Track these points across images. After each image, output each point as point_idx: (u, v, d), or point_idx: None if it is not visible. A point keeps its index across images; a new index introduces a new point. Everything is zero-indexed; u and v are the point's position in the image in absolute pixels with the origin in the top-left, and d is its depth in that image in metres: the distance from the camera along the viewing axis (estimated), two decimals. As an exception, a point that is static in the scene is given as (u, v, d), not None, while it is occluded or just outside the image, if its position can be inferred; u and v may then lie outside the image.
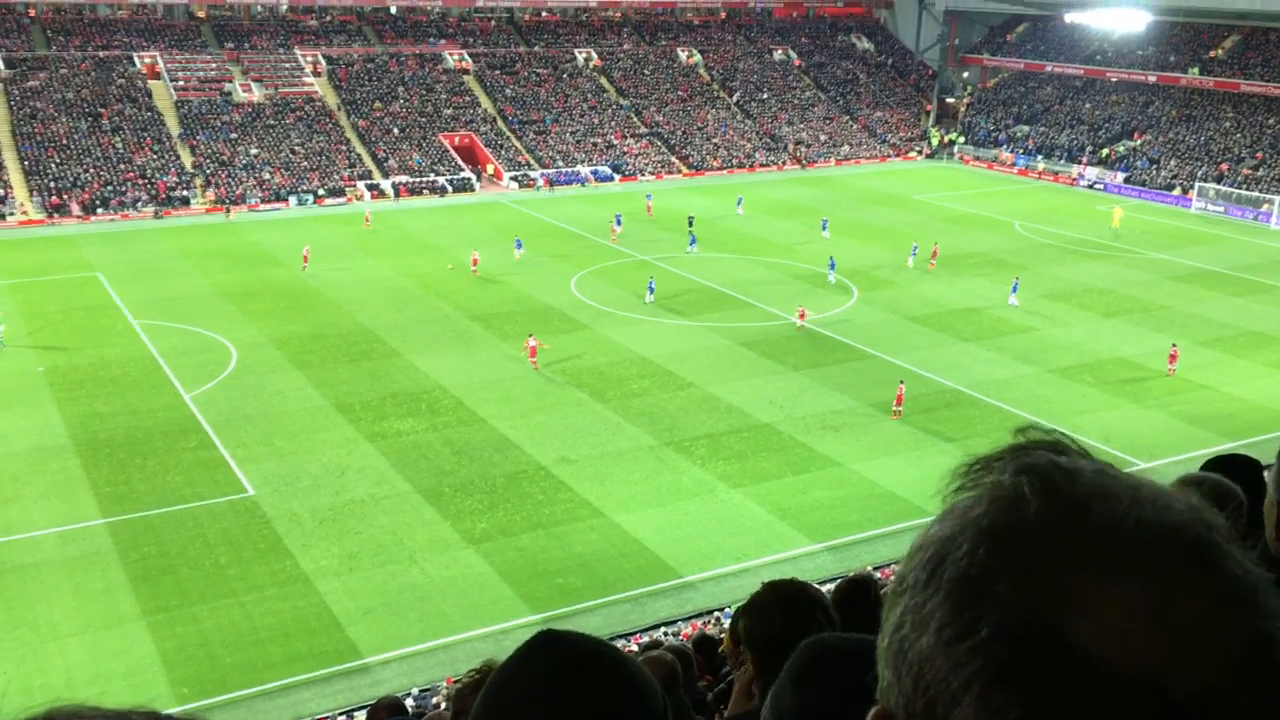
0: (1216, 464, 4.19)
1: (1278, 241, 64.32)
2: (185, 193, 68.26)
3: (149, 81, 77.00)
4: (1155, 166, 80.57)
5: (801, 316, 45.34)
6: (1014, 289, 49.65)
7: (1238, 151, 78.71)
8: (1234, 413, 37.51)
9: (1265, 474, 3.60)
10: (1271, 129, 79.68)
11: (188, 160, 71.24)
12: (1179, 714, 0.78)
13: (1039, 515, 0.86)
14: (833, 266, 52.82)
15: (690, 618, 25.29)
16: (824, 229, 61.57)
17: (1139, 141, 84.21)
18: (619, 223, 61.64)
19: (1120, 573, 0.81)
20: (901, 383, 37.48)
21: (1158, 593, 0.81)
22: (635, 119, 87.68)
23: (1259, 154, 77.51)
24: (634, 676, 1.79)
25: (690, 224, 60.97)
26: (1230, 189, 73.87)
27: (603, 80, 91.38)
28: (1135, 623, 0.79)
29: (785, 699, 2.10)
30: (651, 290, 48.86)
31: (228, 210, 66.42)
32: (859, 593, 6.30)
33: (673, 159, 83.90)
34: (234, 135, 74.02)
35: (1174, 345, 41.86)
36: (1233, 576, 0.83)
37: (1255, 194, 72.42)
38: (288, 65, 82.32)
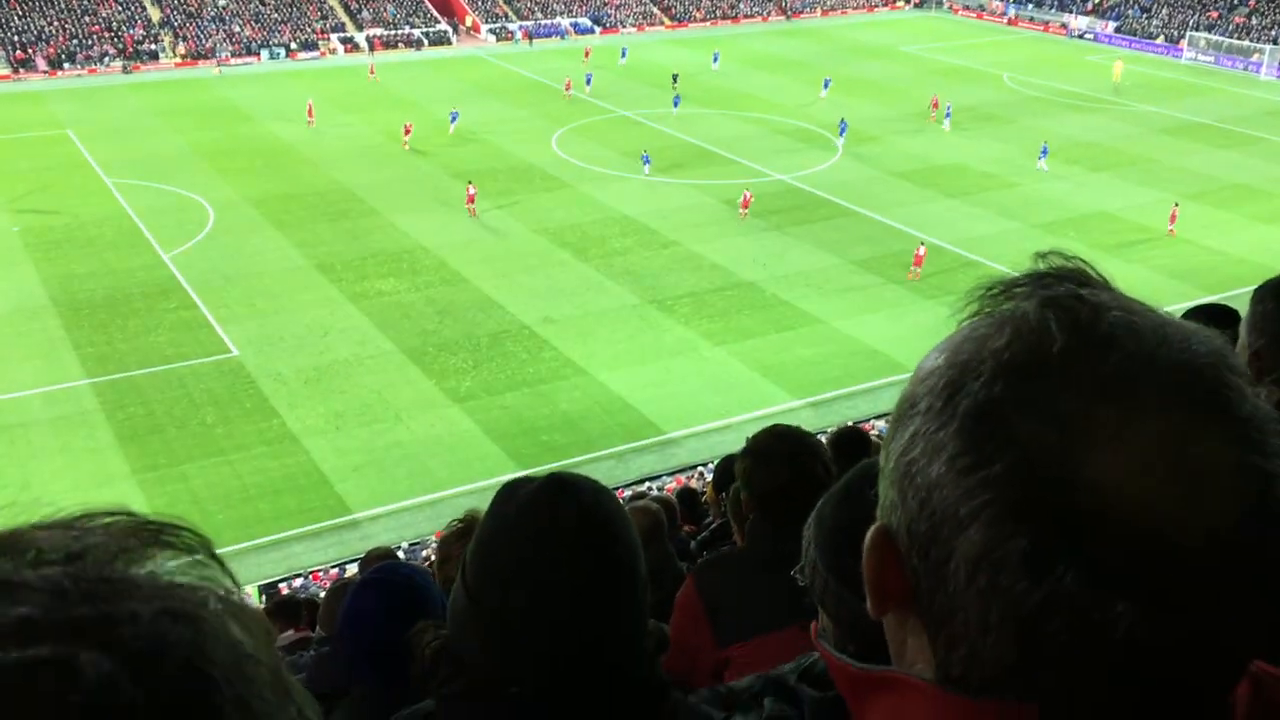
0: (1197, 314, 4.19)
1: (1267, 92, 63.51)
2: (153, 47, 66.27)
3: (109, -72, 73.88)
4: (1147, 15, 78.86)
5: (745, 204, 41.22)
6: (1043, 152, 47.87)
7: (1231, -1, 77.04)
8: (1216, 265, 37.63)
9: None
10: (1267, -24, 77.81)
11: (154, 13, 68.93)
12: (1186, 556, 0.79)
13: (1062, 351, 0.85)
14: (843, 130, 51.02)
15: (674, 473, 25.70)
16: (824, 88, 59.55)
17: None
18: (589, 82, 59.95)
19: (1139, 414, 0.82)
20: (921, 245, 37.00)
21: (1174, 435, 0.81)
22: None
23: (1251, 1, 75.87)
24: (627, 528, 1.90)
25: (674, 81, 59.53)
26: (1221, 38, 72.55)
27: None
28: (1150, 465, 0.80)
29: (827, 516, 2.14)
30: (647, 162, 46.50)
31: (219, 65, 64.83)
32: (856, 441, 6.38)
33: (654, 10, 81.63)
34: (201, -15, 71.51)
35: (1175, 204, 41.56)
36: (1246, 419, 0.84)
37: (1246, 43, 71.18)
38: (254, -89, 78.92)
